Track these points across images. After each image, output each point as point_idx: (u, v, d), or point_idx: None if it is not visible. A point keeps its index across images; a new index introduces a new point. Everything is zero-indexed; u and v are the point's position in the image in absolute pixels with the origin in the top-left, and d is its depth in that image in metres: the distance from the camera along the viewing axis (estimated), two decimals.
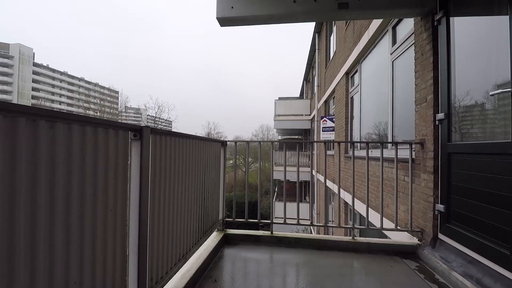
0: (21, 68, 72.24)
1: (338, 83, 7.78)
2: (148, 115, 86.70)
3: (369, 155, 3.04)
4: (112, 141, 1.20)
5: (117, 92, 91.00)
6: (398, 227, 2.94)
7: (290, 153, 15.61)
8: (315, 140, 11.70)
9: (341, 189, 6.80)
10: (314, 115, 12.22)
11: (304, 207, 14.45)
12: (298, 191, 3.15)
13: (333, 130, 8.11)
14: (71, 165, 0.97)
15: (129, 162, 1.36)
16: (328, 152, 8.94)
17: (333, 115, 8.31)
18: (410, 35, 3.55)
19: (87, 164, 1.05)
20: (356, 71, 6.35)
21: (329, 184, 9.04)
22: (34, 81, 76.21)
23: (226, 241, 2.93)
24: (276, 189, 18.37)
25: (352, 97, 6.72)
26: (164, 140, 1.67)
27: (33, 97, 74.23)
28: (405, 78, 3.89)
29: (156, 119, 52.98)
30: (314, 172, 12.81)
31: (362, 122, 5.93)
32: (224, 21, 3.05)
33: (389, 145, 4.20)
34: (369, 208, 3.12)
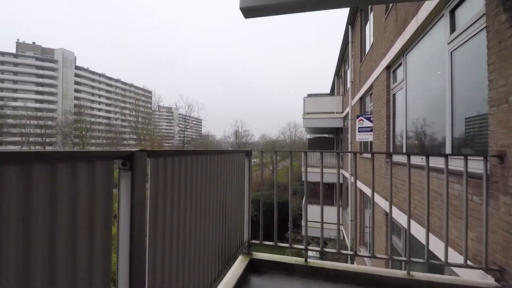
0: (64, 71, 78.40)
1: (376, 78, 7.00)
2: (179, 114, 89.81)
3: (416, 164, 2.45)
4: (87, 176, 0.83)
5: (150, 92, 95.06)
6: (469, 262, 2.31)
7: (320, 154, 14.86)
8: (350, 140, 10.90)
9: (380, 197, 6.09)
10: (348, 112, 11.39)
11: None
12: (338, 213, 2.65)
13: (370, 131, 7.35)
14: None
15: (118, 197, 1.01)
16: (366, 155, 8.18)
17: (371, 113, 7.54)
18: (479, 19, 2.84)
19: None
20: (400, 65, 5.58)
21: (364, 188, 8.29)
22: (76, 83, 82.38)
23: (253, 268, 2.53)
24: (305, 191, 17.70)
25: (394, 94, 5.94)
26: (169, 162, 1.29)
27: (75, 98, 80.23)
28: (471, 72, 3.18)
29: (186, 118, 54.41)
30: (347, 175, 12.02)
31: (408, 124, 5.18)
32: (249, 12, 2.62)
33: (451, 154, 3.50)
34: (429, 233, 2.51)
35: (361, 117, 7.71)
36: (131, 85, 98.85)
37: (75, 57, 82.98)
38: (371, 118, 7.44)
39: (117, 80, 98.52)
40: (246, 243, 2.66)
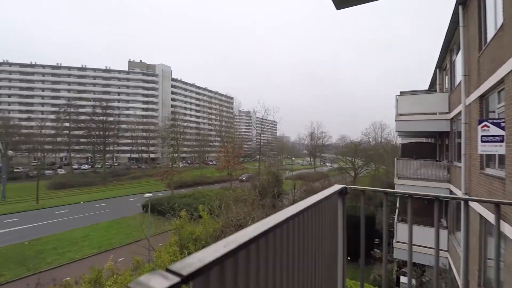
0: (163, 83, 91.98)
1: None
2: (257, 118, 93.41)
3: None
4: None
5: (232, 98, 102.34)
6: None
7: (419, 163, 12.41)
8: (464, 149, 8.64)
9: None
10: (460, 112, 9.10)
11: (441, 234, 11.16)
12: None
13: (501, 141, 5.49)
14: None
15: None
16: (490, 171, 6.22)
17: (502, 118, 5.64)
18: None
19: None
20: None
21: (487, 214, 6.28)
22: (172, 93, 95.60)
23: None
24: (398, 206, 15.27)
25: None
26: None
27: (172, 106, 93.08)
28: None
29: (263, 121, 55.92)
30: (457, 191, 9.68)
31: None
32: (342, 1, 2.00)
33: None
34: None
35: (485, 123, 5.86)
36: (215, 93, 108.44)
37: (171, 70, 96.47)
38: (502, 124, 5.56)
39: (204, 89, 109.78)
40: None
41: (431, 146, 17.69)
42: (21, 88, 78.41)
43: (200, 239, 11.43)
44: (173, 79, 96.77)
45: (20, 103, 77.66)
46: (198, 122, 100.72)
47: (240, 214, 12.07)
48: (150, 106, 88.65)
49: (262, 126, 56.56)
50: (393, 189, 23.82)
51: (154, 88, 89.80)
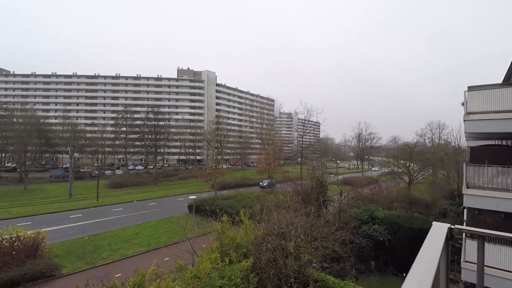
0: (208, 88, 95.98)
1: None
2: (298, 119, 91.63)
3: None
4: None
5: (273, 100, 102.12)
6: None
7: (495, 170, 10.33)
8: None
9: None
10: None
11: None
12: None
13: None
14: None
15: None
16: None
17: None
18: None
19: None
20: None
21: None
22: (216, 97, 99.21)
23: None
24: (466, 219, 13.00)
25: None
26: None
27: (216, 110, 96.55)
28: None
29: (305, 122, 54.32)
30: None
31: None
32: None
33: None
34: None
35: None
36: (257, 96, 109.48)
37: (216, 76, 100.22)
38: None
39: (246, 92, 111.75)
40: None
41: (509, 150, 14.82)
42: (86, 97, 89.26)
43: (241, 245, 11.08)
44: (217, 84, 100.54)
45: (86, 111, 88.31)
46: (240, 125, 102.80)
47: (282, 221, 11.43)
48: (196, 110, 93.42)
49: (304, 128, 54.84)
50: (460, 199, 20.53)
51: (200, 94, 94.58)
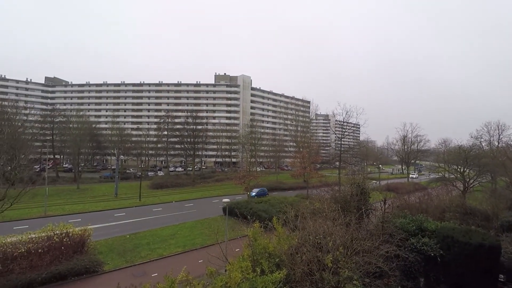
0: (243, 92, 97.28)
1: None
2: (336, 121, 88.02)
3: None
4: None
5: (308, 102, 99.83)
6: None
7: None
8: None
9: None
10: None
11: None
12: None
13: None
14: None
15: None
16: None
17: None
18: None
19: None
20: None
21: None
22: (251, 101, 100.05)
23: None
24: None
25: None
26: None
27: (251, 113, 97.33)
28: None
29: (343, 124, 51.68)
30: None
31: None
32: None
33: None
34: None
35: None
36: (292, 98, 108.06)
37: (251, 80, 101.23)
38: None
39: (281, 95, 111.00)
40: None
41: None
42: (133, 104, 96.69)
43: (274, 255, 10.42)
44: (252, 88, 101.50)
45: (132, 116, 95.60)
46: (274, 128, 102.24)
47: (318, 231, 10.53)
48: (232, 114, 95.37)
49: (343, 130, 52.17)
50: None
51: (235, 98, 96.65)
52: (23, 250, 14.30)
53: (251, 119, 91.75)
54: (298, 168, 45.60)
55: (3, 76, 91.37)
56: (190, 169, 68.83)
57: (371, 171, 70.37)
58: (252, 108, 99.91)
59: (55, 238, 15.56)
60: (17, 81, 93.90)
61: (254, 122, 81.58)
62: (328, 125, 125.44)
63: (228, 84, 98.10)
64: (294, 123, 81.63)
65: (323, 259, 9.12)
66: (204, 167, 78.76)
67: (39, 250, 14.70)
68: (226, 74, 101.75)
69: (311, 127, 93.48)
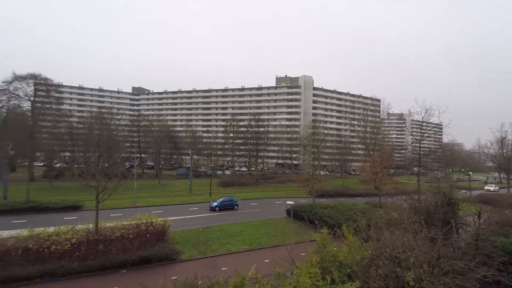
0: (305, 93, 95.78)
1: None
2: (412, 120, 78.54)
3: None
4: None
5: (378, 100, 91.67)
6: None
7: None
8: None
9: None
10: None
11: None
12: None
13: None
14: None
15: None
16: None
17: None
18: None
19: None
20: None
21: None
22: (313, 101, 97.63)
23: None
24: None
25: None
26: None
27: (313, 114, 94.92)
28: None
29: (422, 124, 45.60)
30: None
31: None
32: None
33: None
34: None
35: None
36: (359, 96, 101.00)
37: (313, 80, 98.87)
38: None
39: (346, 94, 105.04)
40: None
41: None
42: (203, 108, 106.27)
43: (345, 265, 9.90)
44: (314, 88, 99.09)
45: (203, 120, 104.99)
46: (339, 129, 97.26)
47: (396, 244, 9.55)
48: (293, 116, 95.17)
49: (422, 131, 46.02)
50: None
51: (297, 99, 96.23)
52: (118, 235, 16.92)
53: (313, 119, 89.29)
54: (368, 173, 42.21)
55: (101, 87, 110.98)
56: (254, 169, 71.05)
57: (459, 178, 60.44)
58: (314, 108, 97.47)
59: (142, 226, 18.05)
60: (111, 91, 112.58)
61: (317, 123, 78.94)
62: (403, 125, 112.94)
63: (289, 85, 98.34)
64: (362, 123, 75.86)
65: (402, 275, 8.25)
66: (266, 168, 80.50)
67: (130, 236, 17.15)
68: (287, 75, 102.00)
69: (383, 128, 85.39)
